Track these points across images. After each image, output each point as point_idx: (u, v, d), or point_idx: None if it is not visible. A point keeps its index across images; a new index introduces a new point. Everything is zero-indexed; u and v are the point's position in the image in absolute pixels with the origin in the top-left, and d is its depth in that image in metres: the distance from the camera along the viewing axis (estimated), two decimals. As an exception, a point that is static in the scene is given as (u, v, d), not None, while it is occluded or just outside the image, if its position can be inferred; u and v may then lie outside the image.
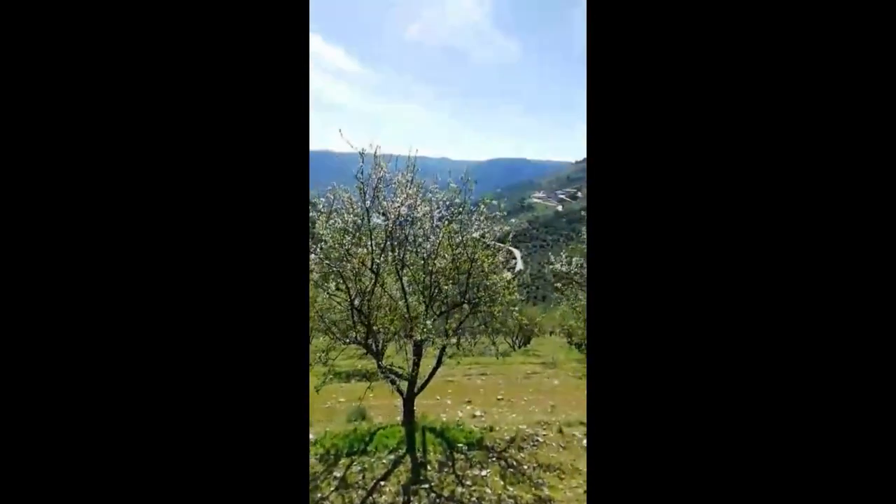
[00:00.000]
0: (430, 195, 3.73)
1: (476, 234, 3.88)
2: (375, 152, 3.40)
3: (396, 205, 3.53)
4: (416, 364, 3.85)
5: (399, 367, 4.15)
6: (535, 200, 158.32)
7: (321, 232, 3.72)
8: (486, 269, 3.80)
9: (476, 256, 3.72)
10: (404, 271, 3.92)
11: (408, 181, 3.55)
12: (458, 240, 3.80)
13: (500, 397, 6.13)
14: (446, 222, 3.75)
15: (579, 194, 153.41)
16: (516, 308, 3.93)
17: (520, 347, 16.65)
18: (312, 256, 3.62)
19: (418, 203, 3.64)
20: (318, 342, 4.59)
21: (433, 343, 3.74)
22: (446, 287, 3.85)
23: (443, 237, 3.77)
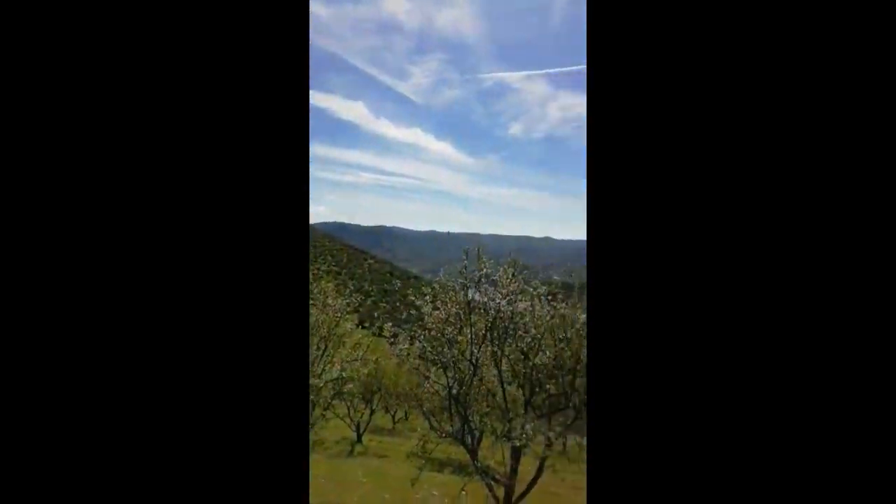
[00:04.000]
0: (531, 289, 3.74)
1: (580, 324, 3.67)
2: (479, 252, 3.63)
3: (497, 300, 3.61)
4: (514, 470, 3.57)
5: (496, 464, 3.87)
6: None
7: (427, 319, 3.95)
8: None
9: (582, 355, 3.49)
10: (503, 363, 3.84)
11: (509, 278, 3.65)
12: (560, 335, 3.65)
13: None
14: (548, 317, 3.67)
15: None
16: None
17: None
18: (417, 345, 3.82)
19: (518, 298, 3.67)
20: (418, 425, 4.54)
21: (531, 450, 3.46)
22: (549, 385, 3.63)
23: (544, 331, 3.66)
